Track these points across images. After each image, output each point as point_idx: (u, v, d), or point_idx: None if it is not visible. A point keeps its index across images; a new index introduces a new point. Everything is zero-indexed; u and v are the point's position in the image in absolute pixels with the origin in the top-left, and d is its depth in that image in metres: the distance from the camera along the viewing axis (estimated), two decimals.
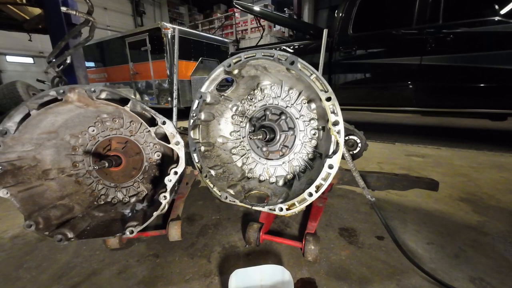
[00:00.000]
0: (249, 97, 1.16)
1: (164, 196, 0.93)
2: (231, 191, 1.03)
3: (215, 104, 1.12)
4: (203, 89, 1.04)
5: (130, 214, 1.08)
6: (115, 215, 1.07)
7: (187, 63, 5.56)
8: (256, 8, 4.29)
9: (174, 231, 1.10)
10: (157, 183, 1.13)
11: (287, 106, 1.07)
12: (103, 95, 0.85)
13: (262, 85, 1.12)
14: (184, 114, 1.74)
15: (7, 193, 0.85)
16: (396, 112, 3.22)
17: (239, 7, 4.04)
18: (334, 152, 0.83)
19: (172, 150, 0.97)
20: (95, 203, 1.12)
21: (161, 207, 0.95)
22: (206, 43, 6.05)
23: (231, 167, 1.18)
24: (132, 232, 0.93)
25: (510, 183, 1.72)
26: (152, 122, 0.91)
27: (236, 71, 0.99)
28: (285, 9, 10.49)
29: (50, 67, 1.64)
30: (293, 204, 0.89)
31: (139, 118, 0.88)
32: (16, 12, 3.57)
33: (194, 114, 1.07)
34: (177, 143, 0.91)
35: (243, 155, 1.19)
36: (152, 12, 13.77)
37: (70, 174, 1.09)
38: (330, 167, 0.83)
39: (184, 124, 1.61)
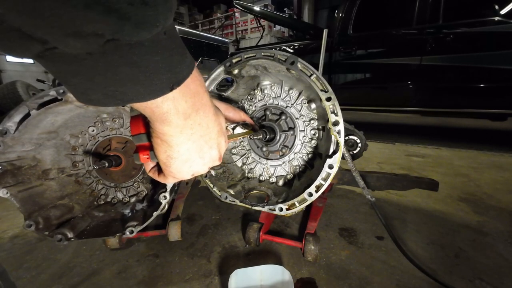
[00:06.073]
0: (249, 97, 1.16)
1: (164, 196, 0.93)
2: (231, 191, 1.03)
3: None
4: None
5: (130, 214, 1.08)
6: (115, 215, 1.07)
7: None
8: (256, 8, 4.29)
9: (174, 231, 1.10)
10: (157, 183, 1.13)
11: (287, 106, 1.07)
12: None
13: (262, 85, 1.12)
14: None
15: (7, 193, 0.85)
16: (396, 112, 3.22)
17: (239, 7, 4.05)
18: (334, 152, 0.83)
19: None
20: (95, 203, 1.12)
21: (161, 207, 0.95)
22: (206, 43, 6.06)
23: (231, 167, 1.18)
24: (132, 232, 0.93)
25: (510, 183, 1.72)
26: None
27: (236, 71, 0.98)
28: (285, 9, 10.47)
29: None
30: (293, 204, 0.89)
31: None
32: None
33: None
34: None
35: (243, 155, 1.19)
36: None
37: (70, 174, 1.09)
38: (330, 167, 0.83)
39: None
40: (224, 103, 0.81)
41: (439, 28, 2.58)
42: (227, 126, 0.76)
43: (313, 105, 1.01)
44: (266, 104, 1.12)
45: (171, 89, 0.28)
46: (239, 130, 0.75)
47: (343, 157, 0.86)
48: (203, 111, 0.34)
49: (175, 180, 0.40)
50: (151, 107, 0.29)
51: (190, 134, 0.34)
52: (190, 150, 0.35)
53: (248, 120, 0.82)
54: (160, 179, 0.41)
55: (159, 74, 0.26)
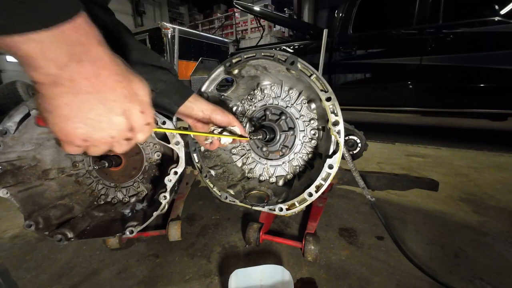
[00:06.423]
0: (249, 97, 1.16)
1: (164, 196, 0.93)
2: (231, 191, 1.03)
3: None
4: (203, 89, 1.04)
5: (130, 214, 1.08)
6: (115, 215, 1.07)
7: (187, 63, 5.55)
8: (256, 8, 4.29)
9: (174, 231, 1.10)
10: (157, 183, 1.13)
11: (287, 106, 1.07)
12: None
13: (262, 85, 1.12)
14: None
15: (7, 193, 0.84)
16: (396, 112, 3.22)
17: (239, 7, 4.05)
18: (334, 152, 0.83)
19: (172, 150, 0.97)
20: (95, 203, 1.12)
21: (161, 207, 0.95)
22: (206, 43, 6.04)
23: (231, 167, 1.18)
24: (132, 232, 0.93)
25: (510, 183, 1.72)
26: None
27: (236, 71, 0.98)
28: (285, 9, 10.47)
29: None
30: (293, 204, 0.89)
31: None
32: None
33: None
34: (177, 143, 0.91)
35: (243, 155, 1.19)
36: (152, 12, 13.74)
37: (70, 174, 1.09)
38: (330, 167, 0.83)
39: (184, 124, 1.61)
40: (212, 105, 0.78)
41: (439, 28, 2.58)
42: (214, 129, 0.73)
43: (313, 105, 1.01)
44: (266, 104, 1.12)
45: (34, 29, 0.25)
46: (226, 134, 0.73)
47: (343, 157, 0.86)
48: (92, 66, 0.31)
49: (71, 147, 0.35)
50: (11, 46, 0.26)
51: (70, 87, 0.30)
52: (71, 106, 0.31)
53: (238, 125, 0.78)
54: (61, 147, 0.37)
55: (16, 9, 0.24)
